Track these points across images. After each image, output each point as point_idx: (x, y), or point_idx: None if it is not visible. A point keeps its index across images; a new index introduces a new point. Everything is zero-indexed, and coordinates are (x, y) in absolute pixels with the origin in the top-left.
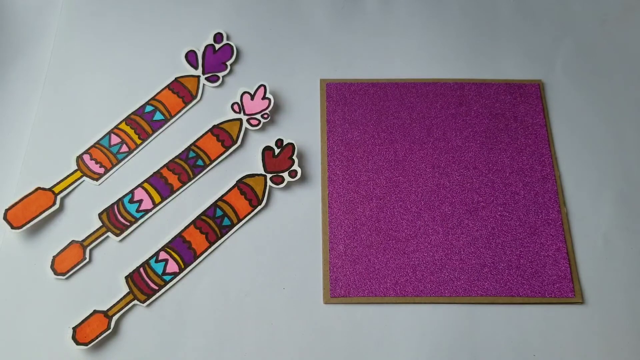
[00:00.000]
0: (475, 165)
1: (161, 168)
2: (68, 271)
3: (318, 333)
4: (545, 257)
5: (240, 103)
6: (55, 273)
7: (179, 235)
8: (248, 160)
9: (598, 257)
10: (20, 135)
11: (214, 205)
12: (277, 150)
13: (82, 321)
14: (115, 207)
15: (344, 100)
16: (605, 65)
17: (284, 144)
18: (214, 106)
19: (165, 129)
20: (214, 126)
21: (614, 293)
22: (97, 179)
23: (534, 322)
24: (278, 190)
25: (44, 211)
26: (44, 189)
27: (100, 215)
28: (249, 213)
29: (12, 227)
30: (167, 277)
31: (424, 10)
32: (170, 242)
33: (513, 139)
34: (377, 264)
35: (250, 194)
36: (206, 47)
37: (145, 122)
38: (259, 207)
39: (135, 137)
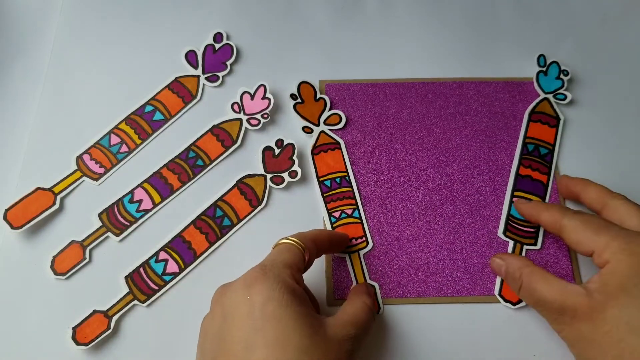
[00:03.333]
0: (476, 164)
1: (161, 168)
2: (68, 271)
3: None
4: (547, 255)
5: (240, 103)
6: (55, 273)
7: (179, 235)
8: (248, 160)
9: None
10: (19, 135)
11: (214, 205)
12: (277, 151)
13: (82, 321)
14: (115, 207)
15: (343, 100)
16: (605, 64)
17: (284, 144)
18: (213, 106)
19: (165, 128)
20: (214, 126)
21: None
22: (97, 179)
23: (534, 322)
24: (278, 190)
25: (43, 211)
26: (43, 189)
27: (100, 215)
28: (249, 213)
29: (12, 227)
30: (167, 277)
31: (423, 10)
32: (170, 242)
33: (513, 137)
34: (379, 265)
35: (251, 194)
36: (206, 47)
37: (145, 122)
38: (259, 208)
39: (135, 137)
